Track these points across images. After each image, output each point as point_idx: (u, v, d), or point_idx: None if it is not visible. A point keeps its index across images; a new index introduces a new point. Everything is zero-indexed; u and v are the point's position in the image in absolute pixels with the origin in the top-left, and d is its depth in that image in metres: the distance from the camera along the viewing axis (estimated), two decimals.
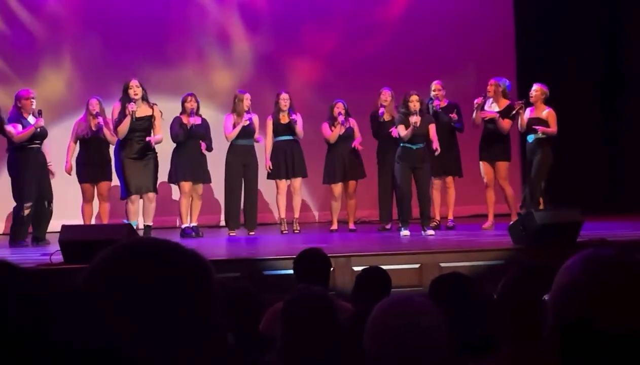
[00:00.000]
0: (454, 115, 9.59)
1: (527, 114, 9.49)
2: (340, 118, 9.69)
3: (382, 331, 2.07)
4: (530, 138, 9.48)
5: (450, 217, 9.90)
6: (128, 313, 0.91)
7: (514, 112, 9.49)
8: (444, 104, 9.84)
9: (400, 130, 9.04)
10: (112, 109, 9.26)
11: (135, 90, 9.08)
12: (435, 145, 9.03)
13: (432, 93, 9.80)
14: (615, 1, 12.24)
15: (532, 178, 9.54)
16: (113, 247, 1.27)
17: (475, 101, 9.59)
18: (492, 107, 9.60)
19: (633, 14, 11.92)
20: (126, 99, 9.09)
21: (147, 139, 9.06)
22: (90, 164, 9.17)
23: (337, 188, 9.88)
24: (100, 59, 11.10)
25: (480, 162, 9.67)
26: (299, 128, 9.73)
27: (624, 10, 12.11)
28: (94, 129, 9.16)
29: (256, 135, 9.62)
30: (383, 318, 2.08)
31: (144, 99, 9.18)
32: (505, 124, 9.48)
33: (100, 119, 9.13)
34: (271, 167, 9.76)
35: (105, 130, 9.14)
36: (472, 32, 12.06)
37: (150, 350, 0.92)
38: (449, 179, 9.89)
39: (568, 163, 9.80)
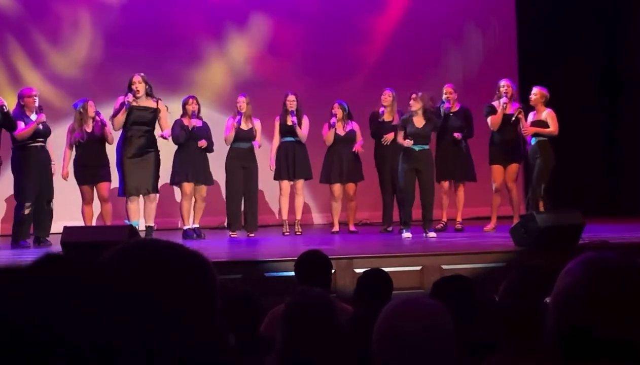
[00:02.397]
0: (457, 134, 9.54)
1: (530, 117, 9.48)
2: (332, 120, 9.72)
3: (391, 333, 2.06)
4: (532, 141, 9.47)
5: (459, 219, 9.92)
6: (130, 314, 0.91)
7: (513, 117, 9.46)
8: (455, 108, 9.84)
9: (399, 138, 9.08)
10: (114, 103, 9.25)
11: (137, 85, 9.04)
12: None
13: (444, 96, 9.80)
14: (616, 4, 12.24)
15: (533, 180, 9.53)
16: (116, 249, 1.27)
17: (503, 101, 9.48)
18: (508, 109, 9.55)
19: (633, 16, 11.92)
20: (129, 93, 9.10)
21: (160, 134, 9.04)
22: (88, 166, 9.13)
23: (337, 189, 9.89)
24: (98, 59, 11.11)
25: (493, 166, 9.61)
26: (301, 131, 9.73)
27: (624, 13, 12.12)
28: (89, 130, 9.12)
29: (256, 140, 9.63)
30: (392, 320, 2.08)
31: (149, 94, 9.15)
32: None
33: (102, 117, 9.12)
34: (273, 168, 9.79)
35: (105, 129, 9.13)
36: (474, 34, 12.08)
37: (152, 351, 0.92)
38: (459, 183, 9.89)
39: (568, 165, 9.79)
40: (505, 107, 9.45)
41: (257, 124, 9.71)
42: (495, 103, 9.58)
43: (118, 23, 11.26)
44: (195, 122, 9.40)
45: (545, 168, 9.33)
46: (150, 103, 9.13)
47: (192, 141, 9.41)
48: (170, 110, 9.36)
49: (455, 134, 9.53)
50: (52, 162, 9.12)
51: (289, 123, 9.73)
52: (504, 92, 9.49)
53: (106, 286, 0.92)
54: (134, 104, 9.02)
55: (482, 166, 9.84)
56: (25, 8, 11.11)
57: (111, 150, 9.30)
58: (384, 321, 2.08)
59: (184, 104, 9.55)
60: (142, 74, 9.13)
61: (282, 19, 11.76)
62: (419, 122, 9.07)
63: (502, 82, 9.61)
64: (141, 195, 9.15)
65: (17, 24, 11.07)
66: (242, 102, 9.65)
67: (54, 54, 11.18)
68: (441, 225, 9.71)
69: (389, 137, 9.72)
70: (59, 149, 9.32)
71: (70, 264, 0.92)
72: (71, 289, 0.88)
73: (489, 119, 9.57)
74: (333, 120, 9.77)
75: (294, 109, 9.72)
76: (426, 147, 9.08)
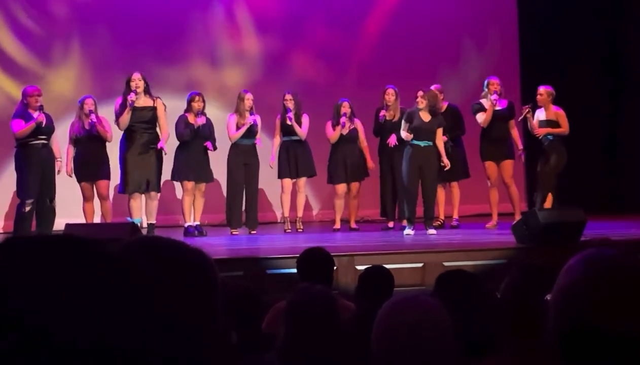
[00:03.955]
0: (443, 137, 9.47)
1: (541, 116, 9.47)
2: (342, 119, 9.70)
3: (389, 331, 2.06)
4: (545, 140, 9.48)
5: (455, 216, 9.91)
6: (131, 311, 0.91)
7: (521, 116, 9.50)
8: (443, 107, 9.84)
9: (402, 133, 9.08)
10: (115, 104, 9.29)
11: (137, 83, 9.10)
12: (444, 159, 9.06)
13: None
14: (617, 4, 12.23)
15: (545, 175, 9.51)
16: (117, 246, 1.27)
17: (493, 98, 9.49)
18: (498, 106, 9.57)
19: (634, 16, 11.92)
20: (128, 91, 9.13)
21: (159, 146, 9.06)
22: (86, 163, 9.13)
23: (341, 187, 9.88)
24: (107, 57, 11.10)
25: (485, 162, 9.64)
26: (300, 130, 9.71)
27: (626, 13, 12.11)
28: (87, 127, 9.13)
29: (258, 137, 9.62)
30: (390, 318, 2.08)
31: (147, 92, 9.19)
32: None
33: (93, 117, 9.09)
34: (272, 166, 9.79)
35: (99, 128, 9.11)
36: (476, 33, 12.07)
37: (153, 349, 0.92)
38: (454, 182, 9.90)
39: (569, 163, 9.78)
40: (495, 104, 9.49)
41: (258, 120, 9.70)
42: (482, 101, 9.62)
43: (116, 21, 11.25)
44: (201, 121, 9.39)
45: (557, 166, 9.38)
46: (149, 101, 9.18)
47: (196, 139, 9.41)
48: (168, 110, 9.37)
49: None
50: (58, 159, 9.12)
51: (288, 122, 9.72)
52: (494, 90, 9.52)
53: (108, 283, 0.92)
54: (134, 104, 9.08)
55: (479, 163, 9.83)
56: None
57: (111, 148, 9.31)
58: (382, 319, 2.08)
59: (190, 101, 9.53)
60: (141, 73, 9.19)
61: (289, 17, 11.74)
62: (424, 117, 9.07)
63: (492, 80, 9.64)
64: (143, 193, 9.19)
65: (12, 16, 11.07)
66: (251, 99, 9.64)
67: (62, 52, 11.17)
68: (438, 222, 9.71)
69: (392, 140, 9.63)
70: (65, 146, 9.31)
71: (73, 258, 0.92)
72: (72, 283, 0.88)
73: (478, 117, 9.61)
74: (343, 119, 9.74)
75: (291, 107, 9.70)
76: (431, 143, 9.06)
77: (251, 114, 9.58)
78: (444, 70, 11.35)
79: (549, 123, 9.44)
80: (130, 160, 9.08)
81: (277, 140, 9.88)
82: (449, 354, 2.06)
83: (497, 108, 9.55)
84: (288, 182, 9.89)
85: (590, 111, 11.74)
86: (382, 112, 9.85)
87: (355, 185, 9.93)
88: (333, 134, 9.83)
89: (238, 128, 9.58)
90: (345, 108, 9.77)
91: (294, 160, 9.80)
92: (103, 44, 11.15)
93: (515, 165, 9.89)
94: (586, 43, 12.00)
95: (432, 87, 9.75)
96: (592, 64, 12.08)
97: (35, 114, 8.81)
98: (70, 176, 9.20)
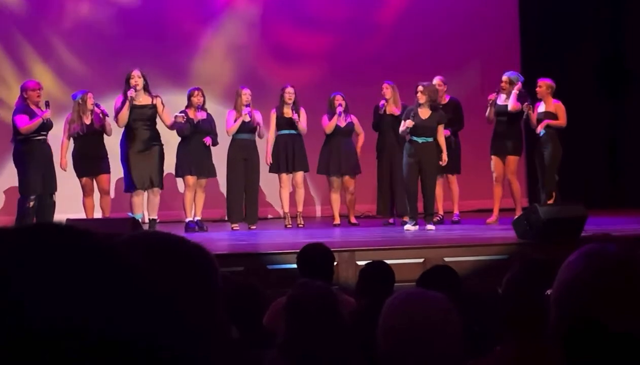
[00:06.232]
0: (446, 131, 9.47)
1: (541, 109, 9.48)
2: (339, 109, 9.70)
3: (397, 326, 2.05)
4: (541, 132, 9.48)
5: (456, 211, 9.92)
6: (131, 306, 0.91)
7: (524, 114, 9.49)
8: (445, 100, 9.83)
9: (401, 128, 9.08)
10: (114, 102, 9.29)
11: (137, 80, 9.11)
12: (444, 156, 9.06)
13: None
14: (617, 4, 12.23)
15: (545, 171, 9.52)
16: (119, 241, 1.27)
17: (489, 97, 9.55)
18: (505, 102, 9.58)
19: (635, 15, 11.91)
20: (128, 88, 9.13)
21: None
22: (88, 158, 9.09)
23: (335, 181, 9.87)
24: (101, 53, 11.09)
25: (492, 157, 9.65)
26: (302, 125, 9.72)
27: (626, 13, 12.11)
28: (87, 122, 9.07)
29: (259, 131, 9.61)
30: (397, 312, 2.07)
31: (146, 89, 9.21)
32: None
33: (103, 109, 9.10)
34: (271, 162, 9.78)
35: (107, 121, 9.12)
36: (477, 27, 12.06)
37: (153, 346, 0.92)
38: (450, 176, 9.90)
39: (571, 158, 9.78)
40: (492, 102, 9.49)
41: (258, 115, 9.70)
42: (492, 95, 9.62)
43: (120, 15, 11.24)
44: (201, 115, 9.40)
45: (555, 158, 9.38)
46: (148, 99, 9.19)
47: (196, 134, 9.41)
48: (172, 103, 9.38)
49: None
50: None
51: (287, 115, 9.71)
52: (501, 87, 9.52)
53: (107, 279, 0.92)
54: (134, 102, 9.07)
55: (483, 158, 9.83)
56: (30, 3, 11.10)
57: (110, 143, 9.29)
58: (389, 314, 2.07)
59: (190, 96, 9.54)
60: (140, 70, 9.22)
61: (287, 14, 11.73)
62: (424, 113, 9.06)
63: (503, 76, 9.62)
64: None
65: (21, 18, 11.05)
66: (248, 94, 9.63)
67: (56, 47, 11.16)
68: (438, 218, 9.71)
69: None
70: (58, 140, 9.25)
71: (72, 253, 0.91)
72: (71, 280, 0.88)
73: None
74: (339, 109, 9.74)
75: (291, 101, 9.70)
76: (430, 139, 9.06)
77: (246, 106, 9.56)
78: (444, 67, 11.32)
79: (547, 115, 9.42)
80: (133, 158, 9.10)
81: (273, 135, 9.85)
82: (456, 350, 2.06)
83: (500, 103, 9.53)
84: (286, 177, 9.89)
85: (591, 109, 11.72)
86: (382, 102, 9.84)
87: (350, 182, 9.90)
88: (329, 124, 9.79)
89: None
90: (339, 100, 9.78)
91: (292, 155, 9.79)
92: (96, 40, 11.11)
93: (519, 161, 9.88)
94: (586, 43, 11.98)
95: (435, 79, 9.74)
96: (592, 63, 12.06)
97: (39, 110, 8.80)
98: (65, 170, 9.15)
